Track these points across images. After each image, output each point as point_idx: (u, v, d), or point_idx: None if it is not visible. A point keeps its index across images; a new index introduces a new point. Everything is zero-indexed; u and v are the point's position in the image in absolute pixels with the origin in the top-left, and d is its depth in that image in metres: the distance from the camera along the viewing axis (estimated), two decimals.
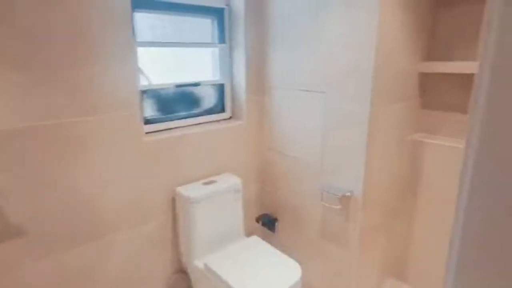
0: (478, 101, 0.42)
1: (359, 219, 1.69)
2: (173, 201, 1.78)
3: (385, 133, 1.69)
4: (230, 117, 2.09)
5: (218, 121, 2.02)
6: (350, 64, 1.57)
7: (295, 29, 1.78)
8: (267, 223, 2.18)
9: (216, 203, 1.77)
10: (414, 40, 1.69)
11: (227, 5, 1.92)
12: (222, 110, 2.06)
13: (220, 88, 2.04)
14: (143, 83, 1.69)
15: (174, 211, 1.79)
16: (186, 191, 1.71)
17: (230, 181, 1.85)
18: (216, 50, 1.99)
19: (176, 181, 1.77)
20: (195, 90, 1.93)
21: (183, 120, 1.87)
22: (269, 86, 2.00)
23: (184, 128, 1.83)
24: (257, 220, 2.20)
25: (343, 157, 1.69)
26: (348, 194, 1.69)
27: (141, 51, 1.62)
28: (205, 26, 1.94)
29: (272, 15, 1.88)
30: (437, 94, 1.83)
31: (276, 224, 2.16)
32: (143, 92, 1.69)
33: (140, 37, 1.63)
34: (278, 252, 1.74)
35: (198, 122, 1.93)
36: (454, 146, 1.73)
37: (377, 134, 1.62)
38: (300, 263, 1.67)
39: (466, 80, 1.66)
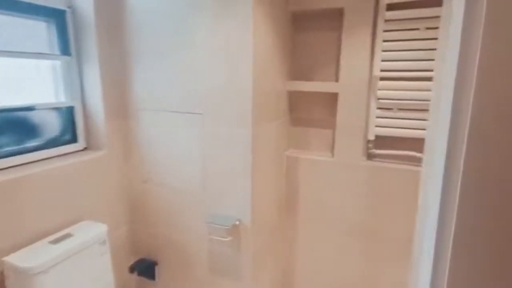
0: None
1: (250, 247, 1.58)
2: (1, 277, 1.23)
3: (266, 153, 1.65)
4: (85, 148, 1.66)
5: (68, 154, 1.56)
6: (227, 82, 1.46)
7: (162, 39, 1.55)
8: (144, 270, 1.82)
9: (74, 265, 1.32)
10: (282, 61, 1.73)
11: (70, 6, 1.52)
12: (73, 140, 1.61)
13: (68, 112, 1.59)
14: None
15: None
16: (22, 259, 1.21)
17: (91, 231, 1.43)
18: (58, 63, 1.54)
19: (5, 247, 1.23)
20: (30, 116, 1.44)
21: (11, 158, 1.35)
22: (134, 107, 1.69)
23: (14, 169, 1.32)
24: (132, 270, 1.80)
25: (228, 183, 1.55)
26: (237, 223, 1.56)
27: None
28: (41, 31, 1.48)
29: (133, 21, 1.59)
30: (302, 112, 1.92)
31: (156, 269, 1.83)
32: None
33: None
34: None
35: (36, 158, 1.44)
36: (322, 160, 1.83)
37: (259, 155, 1.56)
38: None
39: (325, 98, 1.81)
